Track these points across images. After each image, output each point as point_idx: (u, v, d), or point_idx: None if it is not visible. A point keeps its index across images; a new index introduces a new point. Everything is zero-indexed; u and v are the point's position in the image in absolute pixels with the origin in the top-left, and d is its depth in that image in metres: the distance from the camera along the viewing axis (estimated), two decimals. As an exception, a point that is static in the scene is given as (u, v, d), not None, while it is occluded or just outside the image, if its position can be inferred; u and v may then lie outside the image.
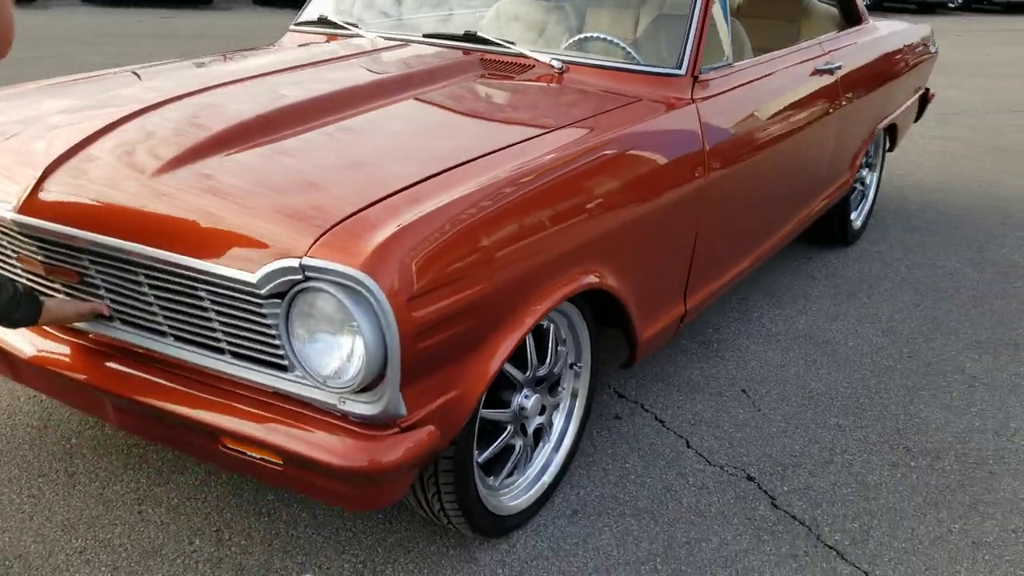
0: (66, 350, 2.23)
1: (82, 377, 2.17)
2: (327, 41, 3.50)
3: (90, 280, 2.15)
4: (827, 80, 3.86)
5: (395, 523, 2.54)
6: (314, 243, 1.83)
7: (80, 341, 2.25)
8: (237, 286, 1.90)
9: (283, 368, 1.97)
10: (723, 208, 3.06)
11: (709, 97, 2.99)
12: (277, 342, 1.93)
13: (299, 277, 1.81)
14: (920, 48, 5.24)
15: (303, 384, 1.95)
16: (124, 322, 2.18)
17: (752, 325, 3.93)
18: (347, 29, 3.52)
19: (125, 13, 14.78)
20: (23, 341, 2.28)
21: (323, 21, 3.61)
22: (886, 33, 4.82)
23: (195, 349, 2.09)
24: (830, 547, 2.53)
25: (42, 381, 2.32)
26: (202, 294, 1.97)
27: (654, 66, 2.98)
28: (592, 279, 2.38)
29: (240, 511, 2.56)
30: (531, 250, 2.15)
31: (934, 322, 4.05)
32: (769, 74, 3.46)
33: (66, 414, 2.99)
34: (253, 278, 1.85)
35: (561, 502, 2.67)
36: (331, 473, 1.91)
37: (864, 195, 5.09)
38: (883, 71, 4.58)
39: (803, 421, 3.18)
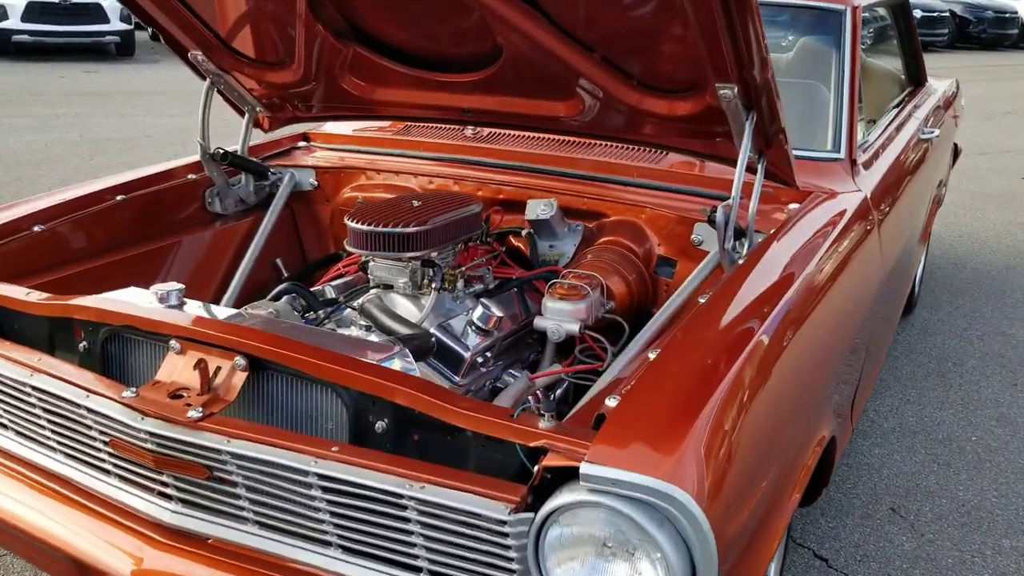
0: (183, 564, 1.67)
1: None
2: None
3: (225, 477, 1.60)
4: (925, 148, 3.55)
5: None
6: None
7: (196, 550, 1.69)
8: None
9: (510, 597, 1.47)
10: (887, 302, 2.68)
11: (867, 182, 2.61)
12: (514, 567, 1.43)
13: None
14: (958, 103, 5.02)
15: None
16: (266, 527, 1.63)
17: (861, 421, 3.54)
18: None
19: (44, 68, 13.84)
20: (116, 556, 1.71)
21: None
22: (940, 92, 4.57)
23: (373, 565, 1.56)
24: None
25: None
26: (407, 507, 1.45)
27: (811, 150, 2.58)
28: (821, 441, 1.96)
29: None
30: (794, 418, 1.71)
31: (1042, 405, 3.74)
32: (887, 145, 3.10)
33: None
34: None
35: None
36: None
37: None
38: (946, 132, 4.32)
39: (975, 546, 2.78)
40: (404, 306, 2.25)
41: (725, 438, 1.45)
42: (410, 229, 2.15)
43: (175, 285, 1.88)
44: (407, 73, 2.37)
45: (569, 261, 2.50)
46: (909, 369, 4.04)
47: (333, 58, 2.42)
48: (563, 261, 2.51)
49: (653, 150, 2.54)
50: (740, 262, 1.97)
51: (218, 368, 1.69)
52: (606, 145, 2.60)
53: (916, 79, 4.24)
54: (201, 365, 1.67)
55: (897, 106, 3.68)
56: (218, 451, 1.58)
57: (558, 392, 2.29)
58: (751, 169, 2.15)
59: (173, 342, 1.73)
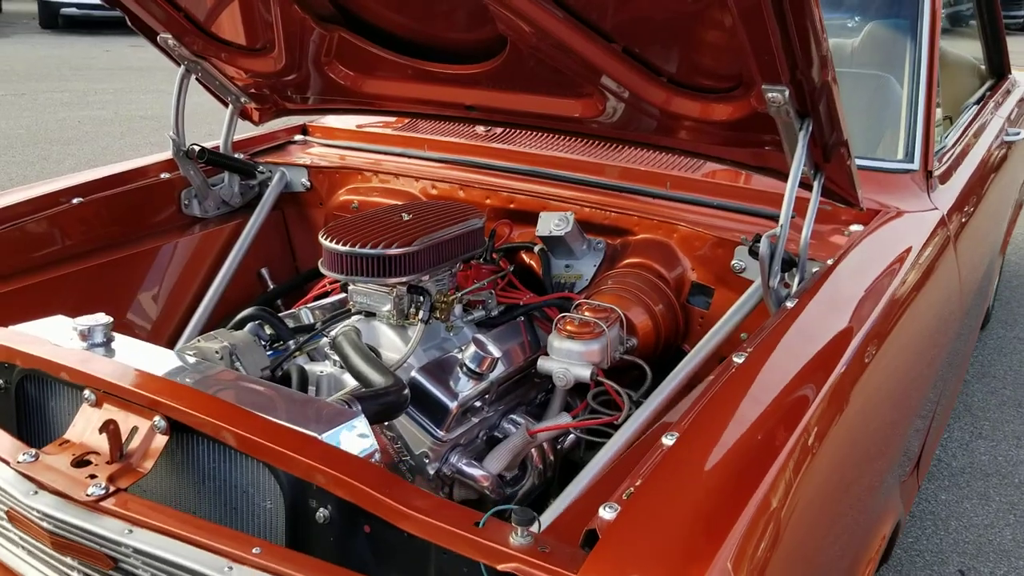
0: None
1: None
2: None
3: (132, 570, 1.29)
4: (1007, 151, 3.11)
5: None
6: None
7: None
8: None
9: None
10: (964, 331, 2.29)
11: (944, 198, 2.21)
12: None
13: None
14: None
15: None
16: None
17: (925, 459, 3.14)
18: None
19: (91, 42, 13.78)
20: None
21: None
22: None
23: None
24: None
25: None
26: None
27: (878, 159, 2.19)
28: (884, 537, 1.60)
29: None
30: (855, 513, 1.35)
31: None
32: (967, 152, 2.68)
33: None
34: None
35: None
36: None
37: (994, 270, 4.35)
38: (1031, 130, 3.84)
39: (1059, 622, 2.39)
40: (388, 338, 1.92)
41: (762, 560, 1.10)
42: (393, 251, 1.82)
43: (102, 319, 1.58)
44: (401, 63, 2.03)
45: (587, 284, 2.15)
46: (981, 396, 3.60)
47: (318, 44, 2.09)
48: (580, 284, 2.15)
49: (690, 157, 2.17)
50: (789, 304, 1.60)
51: (134, 429, 1.39)
52: (635, 149, 2.23)
53: (998, 70, 3.77)
54: (110, 427, 1.36)
55: (978, 102, 3.24)
56: (118, 542, 1.27)
57: (566, 442, 1.96)
58: (805, 185, 1.78)
59: (87, 392, 1.43)
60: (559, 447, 1.95)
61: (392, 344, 1.92)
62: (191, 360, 1.56)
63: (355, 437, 1.34)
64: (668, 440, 1.21)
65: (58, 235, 2.13)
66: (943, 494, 2.94)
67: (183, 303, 2.36)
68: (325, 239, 1.86)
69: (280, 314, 2.04)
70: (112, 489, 1.31)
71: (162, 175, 2.39)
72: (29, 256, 2.08)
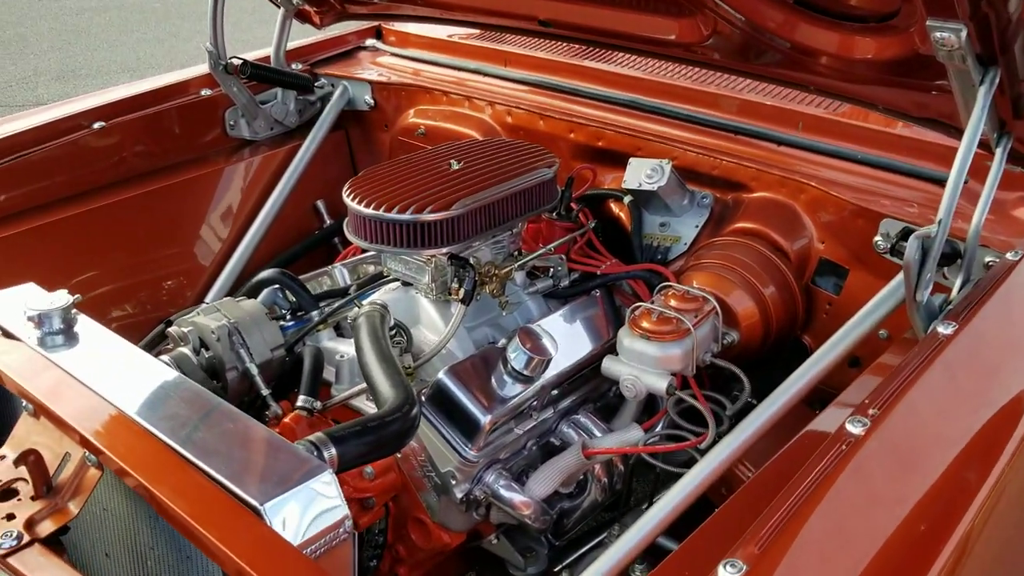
0: None
1: None
2: None
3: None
4: None
5: None
6: None
7: None
8: None
9: None
10: None
11: None
12: None
13: None
14: None
15: None
16: None
17: None
18: None
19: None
20: None
21: None
22: None
23: None
24: None
25: None
26: None
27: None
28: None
29: None
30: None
31: None
32: None
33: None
34: None
35: None
36: None
37: None
38: None
39: None
40: (428, 315, 1.58)
41: None
42: (427, 216, 1.45)
43: (61, 299, 1.30)
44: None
45: (686, 249, 1.72)
46: None
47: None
48: (678, 249, 1.73)
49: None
50: (942, 331, 1.14)
51: (67, 456, 1.12)
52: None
53: None
54: (30, 458, 1.10)
55: None
56: (19, 615, 1.01)
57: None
58: (984, 145, 1.28)
59: (26, 401, 1.17)
60: (629, 458, 1.59)
61: (432, 322, 1.57)
62: (151, 366, 1.26)
63: (313, 503, 1.01)
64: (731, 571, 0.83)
65: (74, 167, 1.87)
66: None
67: (226, 241, 2.09)
68: (349, 197, 1.51)
69: (310, 274, 1.73)
70: (27, 539, 1.06)
71: (203, 92, 2.08)
72: (44, 189, 1.83)
